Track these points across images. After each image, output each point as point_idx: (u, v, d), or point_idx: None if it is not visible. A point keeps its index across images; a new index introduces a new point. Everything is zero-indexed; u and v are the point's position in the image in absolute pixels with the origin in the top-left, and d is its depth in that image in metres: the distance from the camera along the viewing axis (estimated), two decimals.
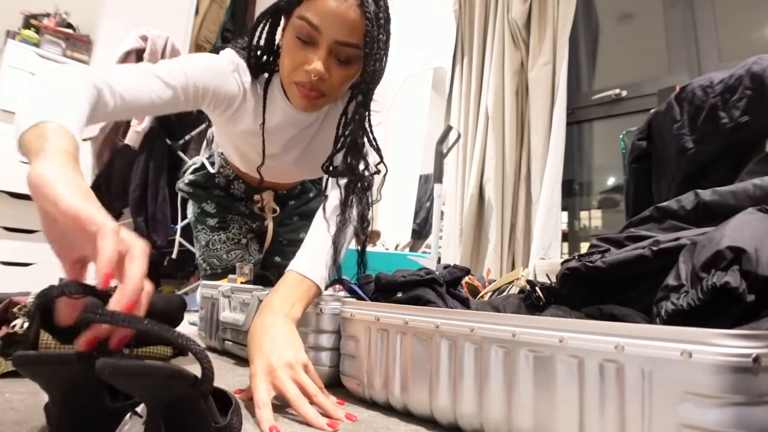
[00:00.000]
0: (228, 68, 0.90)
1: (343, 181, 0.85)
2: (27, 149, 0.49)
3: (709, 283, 0.43)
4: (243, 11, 3.59)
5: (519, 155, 2.08)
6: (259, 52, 0.91)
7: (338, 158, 0.88)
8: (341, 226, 0.81)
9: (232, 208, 1.26)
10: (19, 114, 0.53)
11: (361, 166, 0.85)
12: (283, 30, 0.86)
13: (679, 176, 1.05)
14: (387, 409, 0.61)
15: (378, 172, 0.89)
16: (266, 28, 0.89)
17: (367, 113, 0.85)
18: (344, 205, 0.83)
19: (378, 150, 0.89)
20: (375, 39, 0.78)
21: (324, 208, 0.83)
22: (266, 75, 0.94)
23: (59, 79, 0.62)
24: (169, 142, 2.49)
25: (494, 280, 0.96)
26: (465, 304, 0.68)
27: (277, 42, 0.91)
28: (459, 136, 2.16)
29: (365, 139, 0.86)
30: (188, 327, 1.46)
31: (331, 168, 0.87)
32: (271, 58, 0.93)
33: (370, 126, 0.87)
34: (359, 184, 0.85)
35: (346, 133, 0.86)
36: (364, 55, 0.79)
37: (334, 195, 0.85)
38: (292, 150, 1.04)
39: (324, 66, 0.80)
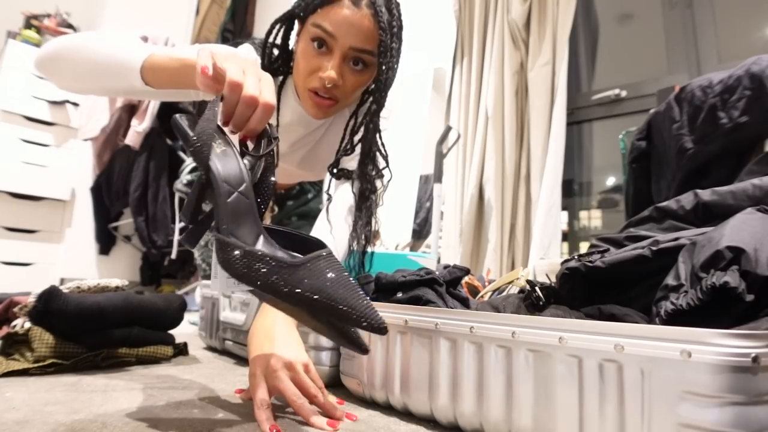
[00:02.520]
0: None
1: (357, 186, 0.86)
2: (163, 62, 0.66)
3: (708, 283, 0.43)
4: (243, 11, 3.59)
5: (519, 155, 2.08)
6: (275, 53, 0.90)
7: (345, 161, 0.89)
8: (362, 231, 0.83)
9: None
10: (118, 52, 0.68)
11: (372, 173, 0.87)
12: (298, 35, 0.86)
13: (679, 176, 1.06)
14: (387, 408, 0.61)
15: (382, 176, 0.90)
16: (280, 33, 0.89)
17: (379, 120, 0.87)
18: (359, 210, 0.84)
19: (386, 157, 0.90)
20: (388, 47, 0.79)
21: (327, 210, 0.83)
22: (280, 78, 0.94)
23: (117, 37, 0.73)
24: (169, 142, 2.49)
25: (494, 280, 0.96)
26: (465, 303, 0.68)
27: (291, 47, 0.91)
28: (459, 137, 2.16)
29: (376, 147, 0.88)
30: (188, 327, 1.46)
31: (335, 170, 0.88)
32: (285, 62, 0.92)
33: (380, 133, 0.88)
34: (370, 190, 0.86)
35: (356, 139, 0.88)
36: (378, 63, 0.80)
37: (339, 198, 0.86)
38: (297, 151, 1.04)
39: (338, 73, 0.80)
